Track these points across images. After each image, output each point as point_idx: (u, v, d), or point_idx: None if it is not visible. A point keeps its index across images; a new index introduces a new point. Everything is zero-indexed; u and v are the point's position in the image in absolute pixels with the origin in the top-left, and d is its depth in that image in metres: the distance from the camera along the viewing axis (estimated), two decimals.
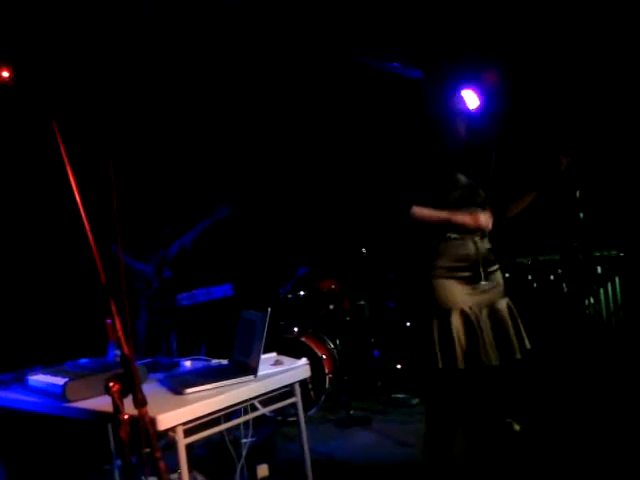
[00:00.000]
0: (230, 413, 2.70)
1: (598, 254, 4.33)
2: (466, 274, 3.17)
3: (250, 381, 2.65)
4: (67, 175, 1.76)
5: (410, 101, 4.30)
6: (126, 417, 1.79)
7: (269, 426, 4.32)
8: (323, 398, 4.52)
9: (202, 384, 2.59)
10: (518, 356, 3.15)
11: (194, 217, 4.06)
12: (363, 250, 4.70)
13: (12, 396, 2.87)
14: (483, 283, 3.21)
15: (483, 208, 3.21)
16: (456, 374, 3.05)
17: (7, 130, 3.01)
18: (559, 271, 4.37)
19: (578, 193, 4.16)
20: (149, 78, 4.01)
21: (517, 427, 3.91)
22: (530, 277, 4.45)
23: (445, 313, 3.10)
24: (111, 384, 1.79)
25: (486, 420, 3.54)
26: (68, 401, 2.62)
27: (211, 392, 2.54)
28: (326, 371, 4.55)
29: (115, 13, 3.46)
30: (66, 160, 1.76)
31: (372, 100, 5.27)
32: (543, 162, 3.26)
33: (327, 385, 4.53)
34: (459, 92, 3.30)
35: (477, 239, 3.22)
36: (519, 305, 3.41)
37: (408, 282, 4.33)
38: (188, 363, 3.15)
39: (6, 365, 3.22)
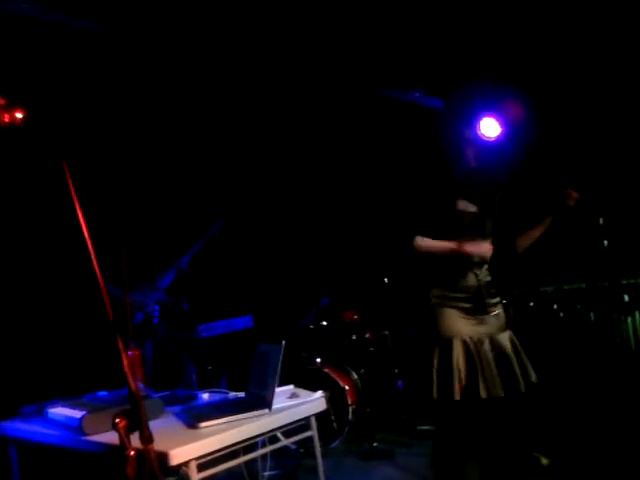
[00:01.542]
0: (250, 446, 2.69)
1: (625, 282, 4.24)
2: (467, 305, 3.18)
3: (264, 415, 2.64)
4: (77, 214, 1.80)
5: (424, 129, 4.31)
6: (132, 453, 1.79)
7: (291, 458, 4.28)
8: (346, 430, 4.47)
9: (216, 418, 2.59)
10: (523, 389, 3.11)
11: (189, 238, 4.12)
12: (385, 280, 4.68)
13: (32, 428, 2.91)
14: (484, 315, 3.20)
15: (484, 239, 3.21)
16: (454, 405, 3.02)
17: (16, 168, 3.07)
18: (584, 300, 4.28)
19: (602, 220, 4.09)
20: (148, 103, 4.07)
21: (545, 461, 3.80)
22: (556, 306, 4.37)
23: (446, 342, 3.11)
24: (117, 420, 1.80)
25: (508, 453, 3.47)
26: (85, 434, 2.64)
27: (225, 426, 2.54)
28: (349, 402, 4.50)
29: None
30: (75, 199, 1.80)
31: (389, 129, 5.29)
32: (552, 195, 3.25)
33: (350, 416, 4.48)
34: (473, 119, 3.31)
35: (477, 271, 3.22)
36: (545, 334, 3.36)
37: (415, 310, 4.31)
38: (206, 396, 3.16)
39: (29, 397, 3.26)
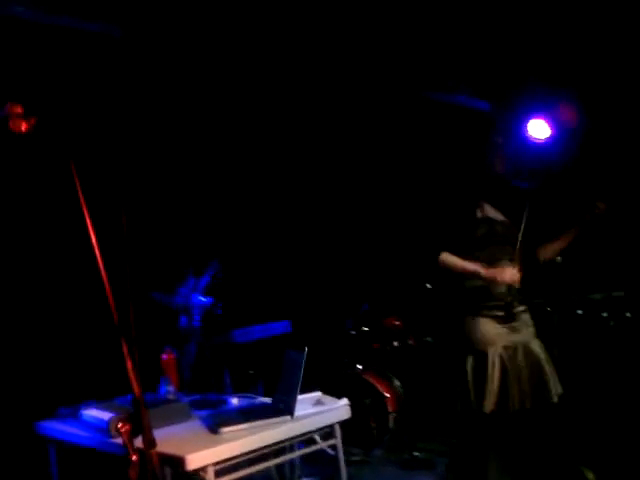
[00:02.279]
0: (280, 450, 2.67)
1: None
2: (499, 313, 3.10)
3: (286, 421, 2.63)
4: (85, 218, 1.83)
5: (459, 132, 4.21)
6: (134, 458, 1.81)
7: (328, 464, 4.25)
8: (386, 438, 4.40)
9: (238, 423, 2.60)
10: (554, 400, 3.00)
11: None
12: (427, 285, 4.59)
13: (67, 429, 3.00)
14: (515, 322, 3.11)
15: (514, 249, 3.10)
16: (485, 416, 2.93)
17: (26, 173, 3.13)
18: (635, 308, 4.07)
19: None
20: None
21: (591, 476, 3.64)
22: (605, 314, 4.18)
23: (481, 352, 3.02)
24: (120, 425, 1.82)
25: (551, 467, 3.35)
26: (112, 436, 2.69)
27: (245, 432, 2.54)
28: (389, 410, 4.43)
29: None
30: (83, 202, 1.82)
31: (428, 133, 5.20)
32: (580, 205, 3.13)
33: (390, 424, 4.41)
34: (506, 124, 3.23)
35: None
36: (595, 343, 3.24)
37: (445, 320, 4.21)
38: (235, 400, 3.17)
39: (69, 397, 3.34)
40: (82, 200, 1.81)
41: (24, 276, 3.54)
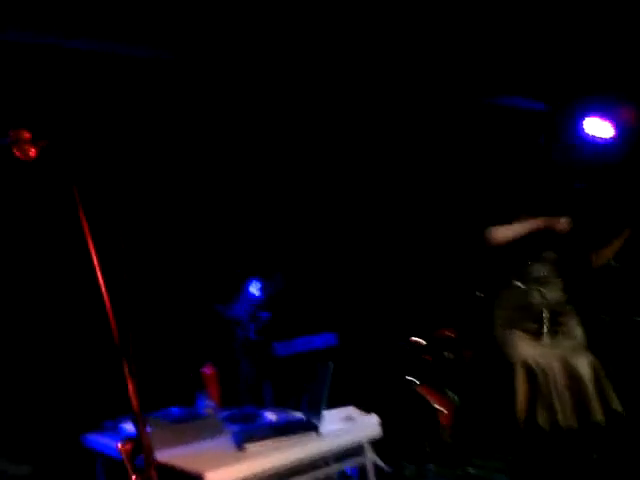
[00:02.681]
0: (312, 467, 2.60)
1: None
2: (533, 326, 2.92)
3: (312, 439, 2.57)
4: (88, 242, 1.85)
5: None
6: (134, 478, 1.81)
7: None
8: (439, 453, 4.25)
9: (263, 439, 2.56)
10: (599, 419, 2.80)
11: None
12: (479, 294, 4.41)
13: (107, 442, 3.06)
14: (553, 336, 2.93)
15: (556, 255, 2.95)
16: (517, 433, 2.78)
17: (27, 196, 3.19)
18: None
19: None
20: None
21: None
22: None
23: (509, 367, 2.87)
24: (120, 445, 1.83)
25: None
26: None
27: (270, 449, 2.50)
28: (443, 424, 4.28)
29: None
30: (86, 228, 1.85)
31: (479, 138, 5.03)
32: (630, 206, 2.94)
33: (444, 439, 4.26)
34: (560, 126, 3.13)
35: (543, 289, 2.96)
36: None
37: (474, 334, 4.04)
38: (271, 415, 3.14)
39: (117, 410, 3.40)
40: (85, 225, 1.83)
41: (62, 293, 3.63)
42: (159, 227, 3.95)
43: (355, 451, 2.63)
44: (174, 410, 3.23)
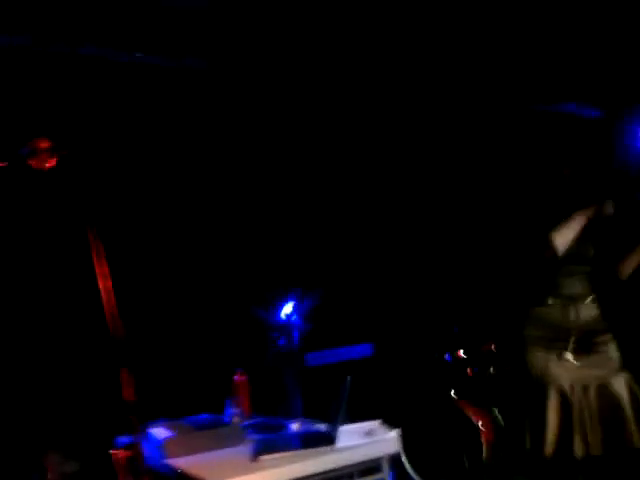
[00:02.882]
0: None
1: None
2: (567, 344, 2.76)
3: (327, 452, 2.52)
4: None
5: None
6: None
7: None
8: (479, 471, 4.11)
9: (276, 451, 2.54)
10: (637, 443, 2.61)
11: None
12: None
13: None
14: (589, 355, 2.77)
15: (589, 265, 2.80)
16: (546, 459, 2.63)
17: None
18: None
19: None
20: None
21: None
22: None
23: (540, 390, 2.73)
24: (114, 452, 1.84)
25: None
26: (166, 456, 2.74)
27: (282, 461, 2.47)
28: (483, 441, 4.14)
29: None
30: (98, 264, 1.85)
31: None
32: None
33: (484, 457, 4.11)
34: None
35: (580, 305, 2.80)
36: None
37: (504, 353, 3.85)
38: (296, 426, 3.11)
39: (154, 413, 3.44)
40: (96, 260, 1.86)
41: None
42: (204, 230, 3.99)
43: (372, 467, 2.57)
44: (201, 417, 3.25)
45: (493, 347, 4.49)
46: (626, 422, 2.76)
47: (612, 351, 2.91)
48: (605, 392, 2.82)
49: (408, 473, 2.62)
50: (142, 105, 3.43)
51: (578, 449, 2.76)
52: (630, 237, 2.92)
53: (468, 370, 4.52)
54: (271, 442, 2.69)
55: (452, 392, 4.45)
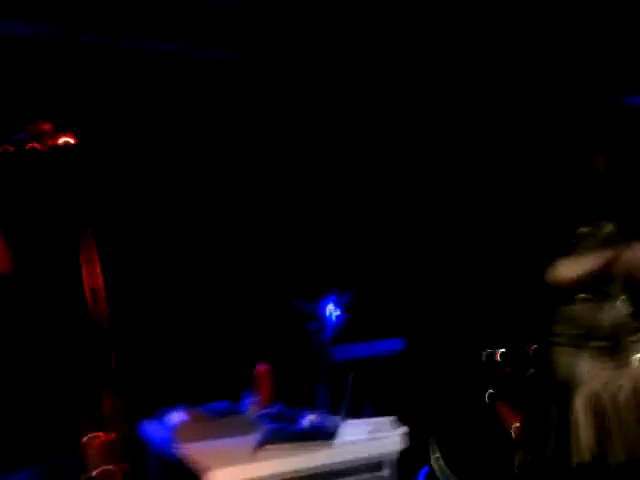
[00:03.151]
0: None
1: None
2: (600, 344, 2.60)
3: (325, 447, 2.50)
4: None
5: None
6: (94, 474, 1.84)
7: None
8: (511, 477, 3.96)
9: (282, 442, 2.54)
10: None
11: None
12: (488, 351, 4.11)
13: (149, 430, 3.17)
14: (623, 356, 2.60)
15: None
16: (571, 469, 2.48)
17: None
18: None
19: None
20: None
21: None
22: None
23: (566, 392, 2.58)
24: (86, 438, 1.86)
25: None
26: (176, 442, 2.79)
27: (284, 453, 2.47)
28: (516, 446, 3.98)
29: None
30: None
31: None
32: None
33: (515, 465, 3.96)
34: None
35: (610, 303, 2.63)
36: None
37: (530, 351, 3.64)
38: (310, 418, 3.08)
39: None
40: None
41: None
42: (244, 222, 4.03)
43: (373, 465, 2.52)
44: (220, 404, 3.29)
45: (533, 347, 4.32)
46: None
47: None
48: (638, 394, 2.66)
49: (411, 472, 2.55)
50: (143, 98, 3.48)
51: (614, 456, 2.60)
52: None
53: (507, 370, 4.37)
54: (275, 433, 2.69)
55: (488, 393, 4.32)
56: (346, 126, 4.22)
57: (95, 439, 1.91)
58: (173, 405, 3.30)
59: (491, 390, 4.30)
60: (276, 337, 3.84)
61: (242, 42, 3.58)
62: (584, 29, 4.10)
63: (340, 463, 2.48)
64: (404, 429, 2.65)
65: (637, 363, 2.68)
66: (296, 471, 2.41)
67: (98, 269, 1.92)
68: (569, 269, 2.73)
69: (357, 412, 3.56)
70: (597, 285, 2.72)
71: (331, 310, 3.66)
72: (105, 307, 1.96)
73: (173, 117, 3.60)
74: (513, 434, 4.01)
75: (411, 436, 2.74)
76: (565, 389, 2.73)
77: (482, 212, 4.48)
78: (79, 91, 3.11)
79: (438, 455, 4.16)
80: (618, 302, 2.74)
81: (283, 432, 2.67)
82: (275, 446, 2.53)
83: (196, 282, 3.86)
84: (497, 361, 4.36)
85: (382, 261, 4.22)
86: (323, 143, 4.22)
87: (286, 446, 2.52)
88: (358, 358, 3.78)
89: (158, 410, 3.39)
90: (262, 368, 3.47)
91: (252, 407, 3.25)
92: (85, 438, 1.90)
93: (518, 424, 4.07)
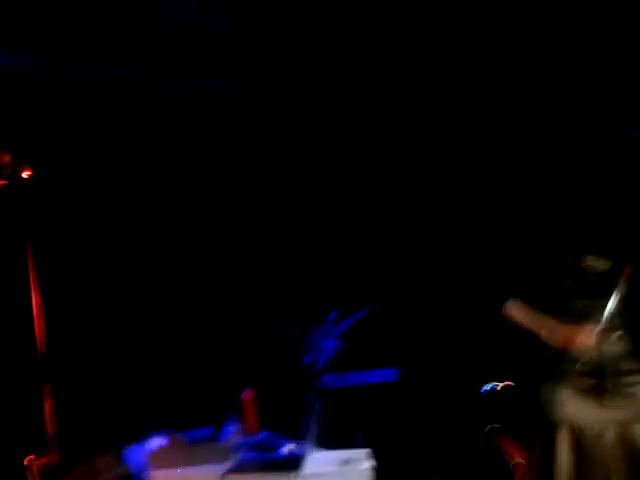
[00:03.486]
0: None
1: None
2: (586, 381, 2.47)
3: (292, 478, 2.45)
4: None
5: None
6: None
7: None
8: None
9: (244, 473, 2.51)
10: None
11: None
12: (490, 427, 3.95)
13: (136, 456, 3.18)
14: (611, 396, 2.47)
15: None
16: None
17: None
18: None
19: None
20: None
21: None
22: None
23: (551, 428, 2.46)
24: (30, 459, 1.89)
25: None
26: (152, 468, 2.80)
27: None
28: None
29: None
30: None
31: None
32: None
33: None
34: None
35: (610, 337, 2.50)
36: None
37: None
38: (290, 447, 3.04)
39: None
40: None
41: None
42: (242, 242, 4.04)
43: None
44: (201, 431, 3.27)
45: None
46: None
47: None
48: (628, 438, 2.52)
49: None
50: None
51: None
52: None
53: (508, 404, 4.23)
54: (242, 463, 2.66)
55: (490, 427, 4.18)
56: (332, 151, 4.21)
57: (36, 461, 1.93)
58: (154, 430, 3.32)
59: (495, 424, 4.18)
60: (267, 364, 3.82)
61: (229, 70, 3.62)
62: (600, 60, 4.02)
63: None
64: (372, 463, 2.58)
65: (626, 404, 2.55)
66: None
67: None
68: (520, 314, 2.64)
69: (347, 442, 3.51)
70: (584, 318, 2.62)
71: (324, 338, 3.63)
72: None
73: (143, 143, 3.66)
74: (513, 469, 3.88)
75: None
76: (549, 425, 2.62)
77: (476, 241, 4.37)
78: (40, 122, 3.17)
79: None
80: (611, 340, 2.62)
81: (251, 462, 2.64)
82: (241, 476, 2.49)
83: (191, 308, 3.88)
84: (499, 394, 4.23)
85: (379, 290, 4.15)
86: (314, 170, 4.21)
87: (251, 476, 2.48)
88: (351, 386, 3.71)
89: (145, 435, 3.42)
90: (248, 395, 3.46)
91: (234, 435, 3.23)
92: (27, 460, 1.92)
93: (520, 459, 3.93)
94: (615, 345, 2.58)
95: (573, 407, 2.56)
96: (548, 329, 2.54)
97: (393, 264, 4.22)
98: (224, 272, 3.91)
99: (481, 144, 4.50)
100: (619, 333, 2.60)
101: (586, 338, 2.46)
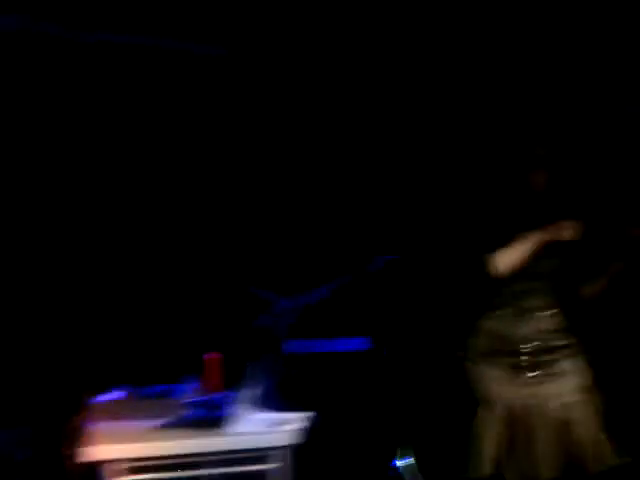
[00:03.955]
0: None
1: None
2: (522, 359, 2.47)
3: (215, 434, 2.47)
4: None
5: None
6: None
7: None
8: None
9: (174, 427, 2.54)
10: (594, 468, 2.39)
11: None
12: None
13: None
14: (546, 372, 2.46)
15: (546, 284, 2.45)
16: None
17: None
18: None
19: None
20: None
21: None
22: None
23: (485, 406, 2.47)
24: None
25: None
26: (92, 420, 2.82)
27: (169, 435, 2.47)
28: None
29: None
30: None
31: None
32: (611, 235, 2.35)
33: None
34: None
35: (536, 317, 2.47)
36: None
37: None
38: (237, 408, 3.04)
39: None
40: None
41: None
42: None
43: (259, 457, 2.46)
44: (160, 387, 3.32)
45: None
46: (579, 446, 2.45)
47: (571, 369, 2.57)
48: (556, 412, 2.51)
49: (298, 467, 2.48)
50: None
51: (511, 476, 2.48)
52: (596, 259, 2.55)
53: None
54: (178, 419, 2.69)
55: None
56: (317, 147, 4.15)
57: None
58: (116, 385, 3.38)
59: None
60: (233, 325, 3.84)
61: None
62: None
63: (223, 452, 2.45)
64: (302, 424, 2.57)
65: (555, 381, 2.52)
66: (174, 455, 2.40)
67: None
68: (508, 255, 2.54)
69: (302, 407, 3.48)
70: (517, 299, 2.58)
71: (288, 302, 3.61)
72: None
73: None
74: None
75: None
76: (485, 402, 2.64)
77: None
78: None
79: (412, 460, 4.02)
80: (543, 317, 2.59)
81: (185, 419, 2.67)
82: (169, 431, 2.53)
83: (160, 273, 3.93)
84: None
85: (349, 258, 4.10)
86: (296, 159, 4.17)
87: (175, 431, 2.52)
88: (317, 353, 3.70)
89: (107, 390, 3.50)
90: (210, 356, 3.48)
91: (191, 393, 3.26)
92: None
93: None
94: (547, 322, 2.58)
95: (502, 386, 2.58)
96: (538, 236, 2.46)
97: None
98: (193, 229, 3.94)
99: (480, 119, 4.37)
100: (552, 311, 2.59)
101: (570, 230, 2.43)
